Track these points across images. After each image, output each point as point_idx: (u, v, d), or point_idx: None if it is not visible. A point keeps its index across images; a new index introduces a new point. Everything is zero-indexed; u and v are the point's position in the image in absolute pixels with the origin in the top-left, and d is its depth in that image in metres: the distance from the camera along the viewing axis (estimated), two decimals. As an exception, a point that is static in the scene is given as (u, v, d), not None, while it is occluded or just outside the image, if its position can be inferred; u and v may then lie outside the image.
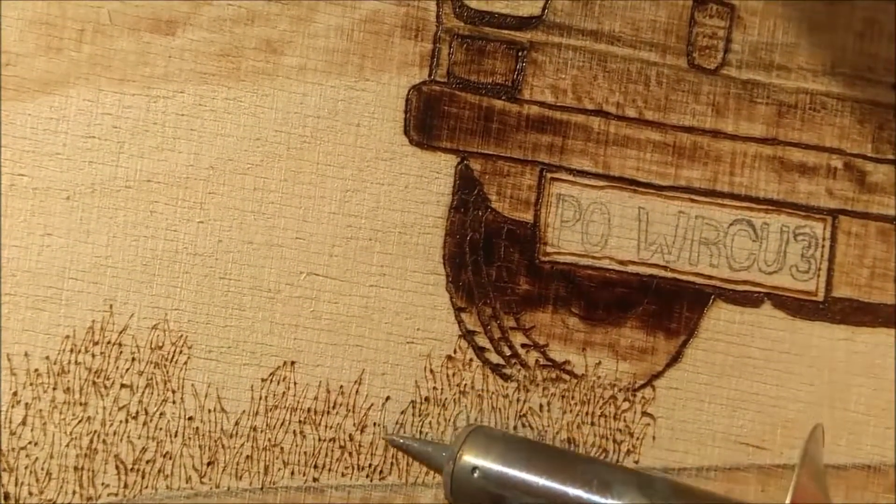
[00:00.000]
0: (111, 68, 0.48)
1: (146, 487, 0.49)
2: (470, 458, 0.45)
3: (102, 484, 0.48)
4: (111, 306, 0.48)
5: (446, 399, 0.50)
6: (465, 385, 0.50)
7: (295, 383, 0.49)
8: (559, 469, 0.44)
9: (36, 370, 0.48)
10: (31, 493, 0.48)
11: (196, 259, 0.49)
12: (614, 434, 0.50)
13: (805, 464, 0.40)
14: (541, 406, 0.50)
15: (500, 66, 0.50)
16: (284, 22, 0.49)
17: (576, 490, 0.43)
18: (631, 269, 0.50)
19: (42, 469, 0.48)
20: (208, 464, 0.49)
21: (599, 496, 0.43)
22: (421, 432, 0.50)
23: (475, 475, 0.45)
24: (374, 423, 0.49)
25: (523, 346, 0.50)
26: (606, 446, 0.50)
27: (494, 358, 0.50)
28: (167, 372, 0.49)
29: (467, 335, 0.50)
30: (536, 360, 0.50)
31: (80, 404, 0.48)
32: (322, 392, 0.49)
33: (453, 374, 0.50)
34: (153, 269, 0.49)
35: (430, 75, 0.50)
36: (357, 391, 0.49)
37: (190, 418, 0.49)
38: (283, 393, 0.49)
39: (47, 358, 0.48)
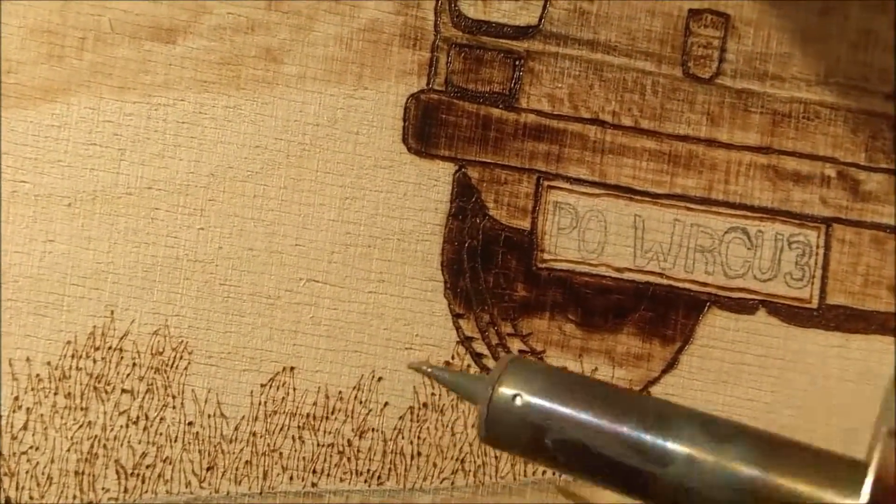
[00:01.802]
0: (112, 76, 0.49)
1: (146, 492, 0.49)
2: (511, 387, 0.39)
3: (103, 488, 0.49)
4: (112, 312, 0.49)
5: (444, 405, 0.50)
6: (463, 391, 0.50)
7: (294, 389, 0.49)
8: (610, 402, 0.38)
9: (37, 375, 0.48)
10: (31, 498, 0.48)
11: (196, 265, 0.49)
12: (610, 439, 0.50)
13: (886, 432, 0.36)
14: (537, 412, 0.50)
15: (498, 75, 0.50)
16: (284, 31, 0.49)
17: (629, 425, 0.37)
18: (627, 276, 0.51)
19: (43, 473, 0.48)
20: (208, 469, 0.49)
21: (656, 432, 0.37)
22: (419, 437, 0.50)
23: (516, 403, 0.39)
24: (373, 429, 0.50)
25: (521, 352, 0.50)
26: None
27: (492, 364, 0.50)
28: (167, 377, 0.49)
29: (465, 341, 0.50)
30: (533, 367, 0.50)
31: (81, 409, 0.48)
32: (321, 398, 0.49)
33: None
34: (154, 276, 0.49)
35: (428, 84, 0.50)
36: (356, 397, 0.50)
37: (190, 423, 0.49)
38: (283, 398, 0.49)
39: (49, 363, 0.48)
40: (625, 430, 0.37)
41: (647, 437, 0.37)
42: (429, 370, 0.44)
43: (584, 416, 0.38)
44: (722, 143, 0.51)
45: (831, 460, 0.38)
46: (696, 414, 0.38)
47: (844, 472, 0.37)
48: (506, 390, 0.39)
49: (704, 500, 0.36)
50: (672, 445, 0.37)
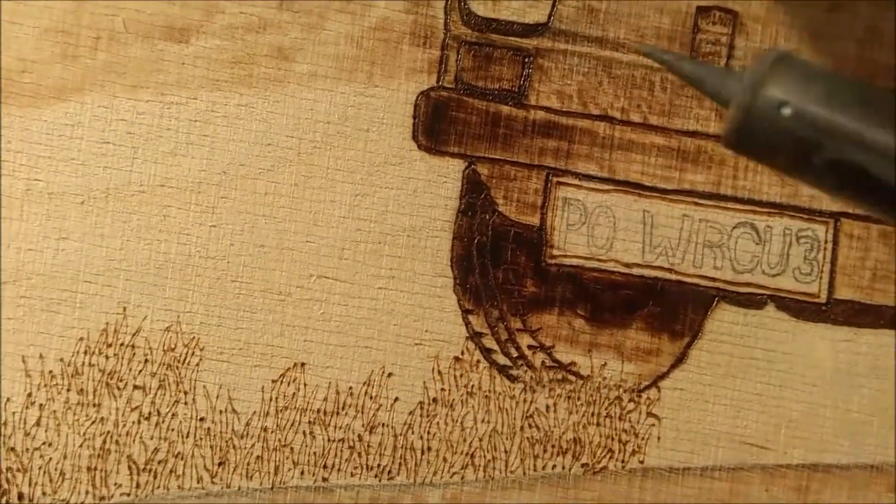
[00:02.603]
0: (126, 75, 0.49)
1: (158, 487, 0.49)
2: (779, 92, 0.32)
3: (115, 484, 0.49)
4: (125, 309, 0.49)
5: (454, 400, 0.50)
6: (473, 386, 0.50)
7: (305, 384, 0.50)
8: None
9: (50, 372, 0.49)
10: (44, 493, 0.48)
11: (208, 262, 0.49)
12: (620, 434, 0.50)
13: None
14: (547, 407, 0.50)
15: (507, 72, 0.50)
16: (295, 30, 0.50)
17: None
18: (636, 271, 0.51)
19: (56, 469, 0.48)
20: (219, 464, 0.49)
21: None
22: (429, 432, 0.50)
23: (783, 112, 0.32)
24: (383, 424, 0.50)
25: (530, 347, 0.50)
26: (612, 447, 0.50)
27: (501, 359, 0.50)
28: (179, 373, 0.49)
29: (475, 337, 0.50)
30: (543, 362, 0.50)
31: (94, 405, 0.49)
32: (331, 393, 0.50)
33: (461, 376, 0.50)
34: (166, 273, 0.49)
35: (438, 81, 0.50)
36: (366, 392, 0.50)
37: (201, 419, 0.49)
38: (293, 394, 0.49)
39: (61, 360, 0.49)
40: None
41: None
42: (665, 57, 0.37)
43: (874, 136, 0.31)
44: (730, 138, 0.51)
45: None
46: None
47: None
48: (772, 94, 0.32)
49: None
50: None
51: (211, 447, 0.49)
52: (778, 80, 0.32)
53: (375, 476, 0.50)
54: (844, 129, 0.31)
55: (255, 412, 0.49)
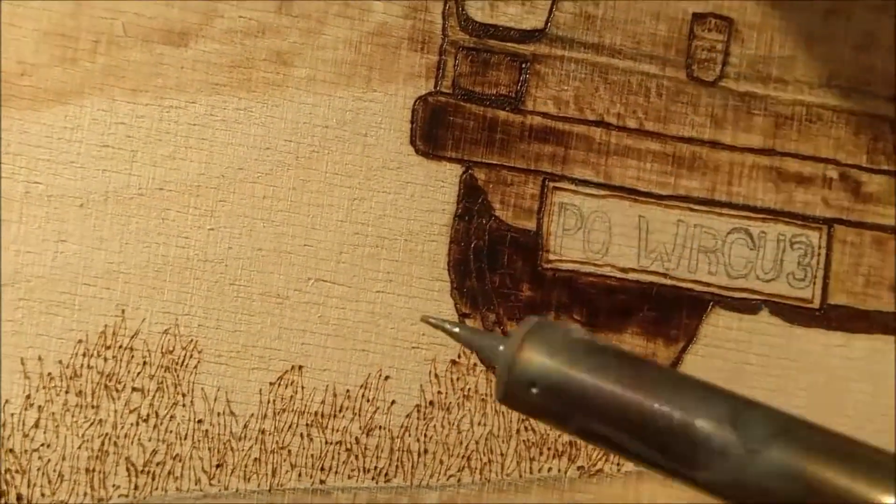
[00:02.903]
0: (125, 79, 0.49)
1: (156, 489, 0.49)
2: (528, 371, 0.35)
3: (113, 486, 0.49)
4: (123, 311, 0.49)
5: (450, 403, 0.50)
6: (469, 389, 0.50)
7: (302, 387, 0.50)
8: (647, 392, 0.33)
9: (49, 374, 0.48)
10: (43, 495, 0.48)
11: (206, 265, 0.49)
12: (615, 438, 0.50)
13: None
14: (543, 410, 0.50)
15: (504, 77, 0.50)
16: (294, 34, 0.50)
17: (661, 427, 0.33)
18: (631, 276, 0.51)
19: (54, 471, 0.48)
20: (217, 466, 0.49)
21: (731, 430, 0.32)
22: (425, 435, 0.50)
23: (532, 391, 0.35)
24: (380, 427, 0.50)
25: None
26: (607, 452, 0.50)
27: (498, 363, 0.50)
28: (177, 376, 0.49)
29: (471, 341, 0.50)
30: (539, 366, 0.50)
31: (92, 407, 0.49)
32: (329, 396, 0.50)
33: (457, 379, 0.50)
34: (164, 275, 0.49)
35: (435, 87, 0.50)
36: (363, 395, 0.50)
37: (199, 421, 0.49)
38: (291, 397, 0.49)
39: (60, 362, 0.49)
40: (654, 433, 0.33)
41: (719, 435, 0.32)
42: (444, 325, 0.39)
43: (613, 414, 0.34)
44: (725, 144, 0.51)
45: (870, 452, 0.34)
46: (734, 406, 0.33)
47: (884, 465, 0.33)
48: (522, 374, 0.35)
49: (745, 495, 0.32)
50: (704, 447, 0.32)
51: (209, 449, 0.49)
52: (527, 359, 0.35)
53: (372, 478, 0.50)
54: (589, 404, 0.34)
55: (252, 414, 0.49)
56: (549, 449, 0.50)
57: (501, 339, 0.37)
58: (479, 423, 0.50)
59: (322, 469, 0.50)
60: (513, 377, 0.35)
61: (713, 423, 0.32)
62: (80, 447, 0.49)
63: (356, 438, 0.50)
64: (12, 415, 0.48)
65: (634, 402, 0.33)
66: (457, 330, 0.39)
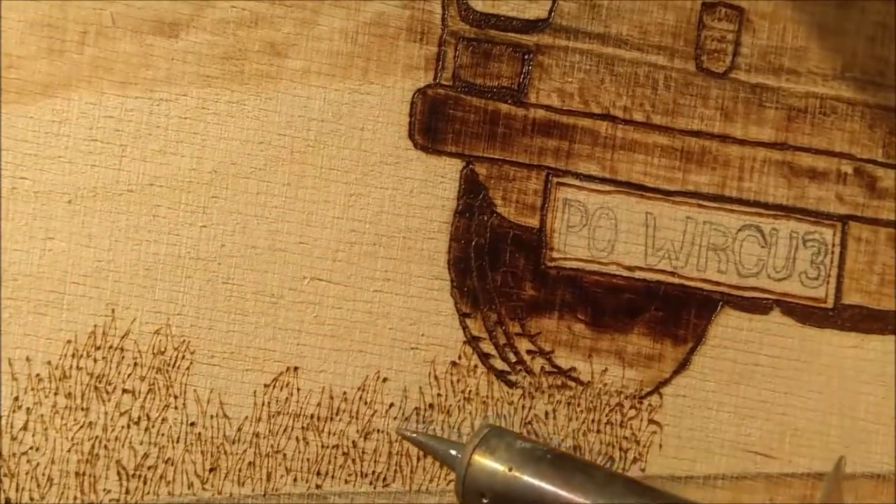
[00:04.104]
0: (113, 71, 0.48)
1: (148, 493, 0.49)
2: (478, 482, 0.44)
3: (104, 490, 0.48)
4: (113, 311, 0.48)
5: (451, 406, 0.50)
6: (470, 392, 0.50)
7: (298, 389, 0.49)
8: (583, 495, 0.42)
9: (37, 375, 0.48)
10: (32, 499, 0.48)
11: (199, 263, 0.49)
12: (620, 442, 0.50)
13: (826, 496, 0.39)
14: (546, 413, 0.50)
15: (506, 69, 0.50)
16: (288, 25, 0.49)
17: None
18: (638, 274, 0.50)
19: (43, 474, 0.48)
20: (210, 470, 0.49)
21: None
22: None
23: (483, 501, 0.44)
24: (378, 430, 0.49)
25: (529, 352, 0.50)
26: (613, 454, 0.50)
27: (499, 364, 0.50)
28: (169, 377, 0.49)
29: (472, 341, 0.50)
30: (542, 367, 0.50)
31: (82, 409, 0.48)
32: (325, 398, 0.49)
33: (458, 381, 0.50)
34: (155, 274, 0.49)
35: (435, 79, 0.50)
36: (360, 397, 0.49)
37: (192, 424, 0.49)
38: (286, 399, 0.49)
39: (49, 363, 0.48)
40: None
41: None
42: (412, 436, 0.48)
43: None
44: (736, 138, 0.51)
45: None
46: None
47: None
48: (473, 484, 0.44)
49: None
50: None
51: (202, 453, 0.49)
52: (476, 472, 0.44)
53: (370, 483, 0.49)
54: None
55: (247, 417, 0.49)
56: (552, 452, 0.50)
57: (458, 447, 0.46)
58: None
59: (318, 473, 0.49)
60: (466, 488, 0.44)
61: None
62: (69, 450, 0.48)
63: (353, 442, 0.49)
64: (0, 417, 0.48)
65: None
66: (417, 437, 0.48)
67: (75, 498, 0.48)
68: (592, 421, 0.50)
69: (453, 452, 0.46)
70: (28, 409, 0.48)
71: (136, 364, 0.48)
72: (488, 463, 0.44)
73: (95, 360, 0.48)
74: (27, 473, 0.48)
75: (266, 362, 0.49)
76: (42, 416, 0.48)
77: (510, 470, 0.43)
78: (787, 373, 0.50)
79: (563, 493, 0.42)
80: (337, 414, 0.49)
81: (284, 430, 0.49)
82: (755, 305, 0.50)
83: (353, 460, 0.49)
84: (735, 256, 0.50)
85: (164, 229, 0.49)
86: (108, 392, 0.48)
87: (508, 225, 0.50)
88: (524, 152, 0.50)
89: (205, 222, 0.49)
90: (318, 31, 0.49)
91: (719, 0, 0.50)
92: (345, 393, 0.49)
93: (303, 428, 0.49)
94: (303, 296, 0.49)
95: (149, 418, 0.49)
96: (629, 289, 0.50)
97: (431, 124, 0.49)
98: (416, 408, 0.50)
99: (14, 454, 0.48)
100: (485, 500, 0.43)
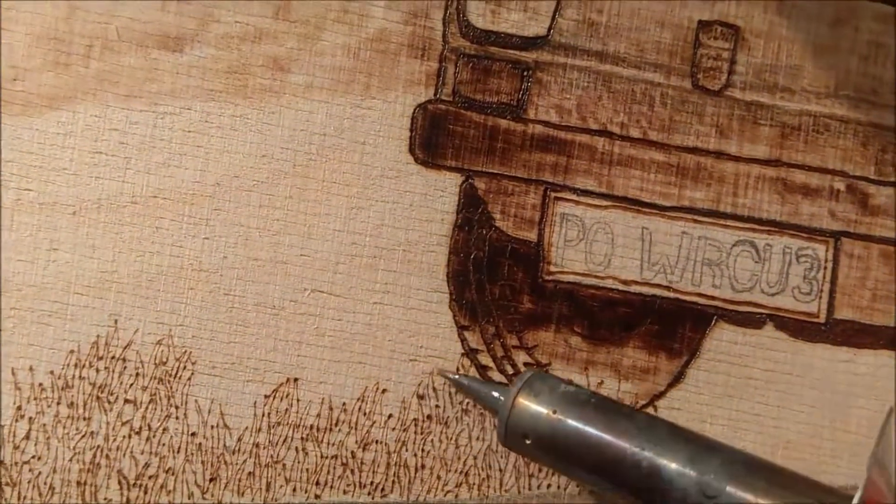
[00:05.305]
0: (118, 84, 0.48)
1: (148, 503, 0.49)
2: (521, 424, 0.43)
3: (105, 499, 0.48)
4: (116, 321, 0.48)
5: (448, 417, 0.50)
6: (468, 403, 0.50)
7: (298, 400, 0.49)
8: (626, 439, 0.42)
9: (40, 384, 0.48)
10: (33, 507, 0.48)
11: (201, 275, 0.49)
12: (616, 453, 0.50)
13: (875, 462, 0.38)
14: (543, 425, 0.50)
15: (506, 85, 0.50)
16: (292, 40, 0.49)
17: (629, 482, 0.41)
18: (634, 288, 0.50)
19: (45, 483, 0.48)
20: (210, 480, 0.49)
21: (692, 475, 0.40)
22: (423, 450, 0.50)
23: (527, 442, 0.43)
24: (377, 441, 0.49)
25: (526, 364, 0.50)
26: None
27: (497, 376, 0.50)
28: (171, 387, 0.49)
29: (470, 353, 0.50)
30: (539, 379, 0.50)
31: (84, 419, 0.48)
32: (325, 409, 0.49)
33: (456, 393, 0.50)
34: (158, 285, 0.49)
35: (435, 94, 0.50)
36: (360, 408, 0.49)
37: (193, 434, 0.49)
38: (286, 410, 0.49)
39: (51, 372, 0.48)
40: (629, 481, 0.41)
41: (649, 485, 0.40)
42: (446, 374, 0.47)
43: (594, 464, 0.41)
44: (731, 155, 0.51)
45: (814, 488, 0.40)
46: (696, 450, 0.40)
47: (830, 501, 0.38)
48: (516, 426, 0.43)
49: None
50: (669, 493, 0.40)
51: (202, 462, 0.49)
52: (519, 414, 0.43)
53: (368, 494, 0.49)
54: (574, 454, 0.42)
55: (247, 427, 0.49)
56: (548, 463, 0.50)
57: (501, 389, 0.46)
58: (477, 438, 0.50)
59: (317, 484, 0.49)
60: (509, 430, 0.43)
61: (677, 468, 0.40)
62: (71, 459, 0.48)
63: (352, 453, 0.49)
64: (2, 426, 0.48)
65: (610, 451, 0.41)
66: (460, 379, 0.47)
67: (76, 506, 0.48)
68: (589, 433, 0.50)
69: (496, 395, 0.46)
70: (31, 418, 0.48)
71: (137, 374, 0.49)
72: (532, 405, 0.43)
73: (98, 371, 0.48)
74: (29, 482, 0.48)
75: (266, 373, 0.49)
76: (44, 425, 0.48)
77: (554, 413, 0.43)
78: (780, 386, 0.50)
79: (606, 436, 0.41)
80: (336, 425, 0.49)
81: (284, 441, 0.49)
82: (749, 320, 0.50)
83: (352, 471, 0.49)
84: (729, 271, 0.50)
85: (167, 241, 0.49)
86: (109, 402, 0.48)
87: (507, 239, 0.50)
88: (523, 167, 0.50)
89: (207, 234, 0.49)
90: (321, 46, 0.49)
91: (715, 19, 0.50)
92: (344, 404, 0.49)
93: (302, 438, 0.49)
94: (303, 307, 0.49)
95: (150, 428, 0.49)
96: (625, 302, 0.50)
97: (432, 139, 0.50)
98: (414, 419, 0.49)
99: (16, 463, 0.48)
100: (528, 442, 0.43)
